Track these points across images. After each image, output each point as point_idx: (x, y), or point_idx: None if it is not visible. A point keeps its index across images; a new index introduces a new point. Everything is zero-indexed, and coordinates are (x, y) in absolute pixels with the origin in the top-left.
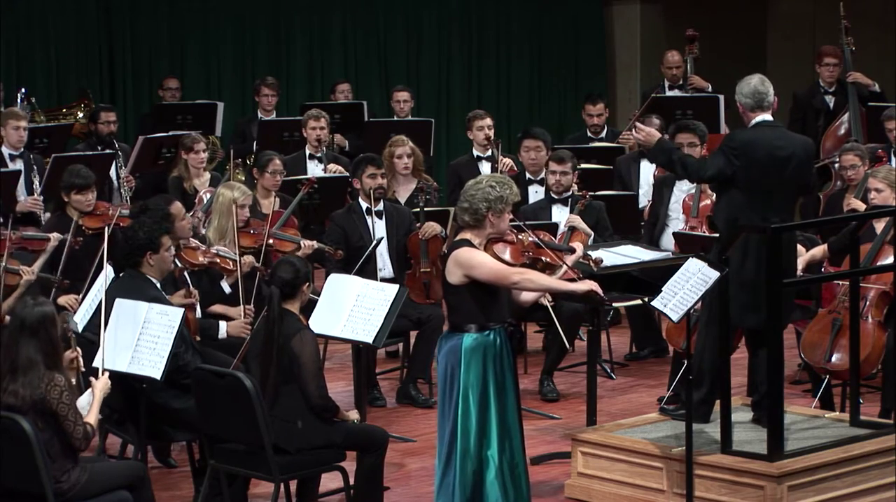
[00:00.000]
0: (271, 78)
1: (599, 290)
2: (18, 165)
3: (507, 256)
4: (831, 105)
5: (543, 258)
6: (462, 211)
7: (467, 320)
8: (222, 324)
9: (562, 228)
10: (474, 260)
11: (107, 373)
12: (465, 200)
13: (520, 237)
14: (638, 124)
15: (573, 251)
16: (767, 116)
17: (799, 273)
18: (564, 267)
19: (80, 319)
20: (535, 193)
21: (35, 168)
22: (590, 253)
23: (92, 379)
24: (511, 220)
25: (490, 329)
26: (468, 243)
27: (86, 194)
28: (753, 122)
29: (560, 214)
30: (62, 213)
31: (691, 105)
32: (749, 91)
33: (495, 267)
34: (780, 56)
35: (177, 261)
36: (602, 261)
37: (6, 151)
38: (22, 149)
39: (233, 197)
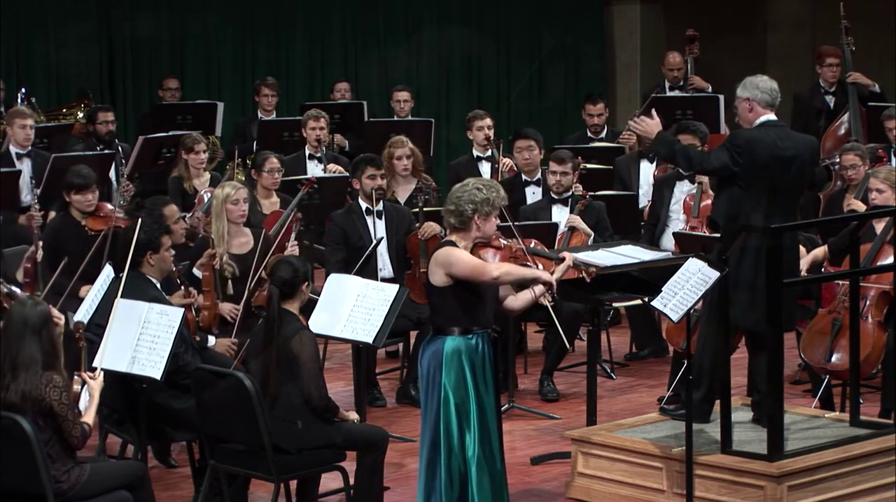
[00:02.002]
0: (271, 78)
1: (554, 287)
2: (26, 163)
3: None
4: (831, 105)
5: (531, 265)
6: (448, 213)
7: (450, 323)
8: (211, 338)
9: (562, 228)
10: (452, 257)
11: (101, 373)
12: (451, 202)
13: (508, 243)
14: (636, 118)
15: (562, 260)
16: (772, 116)
17: (803, 274)
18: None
19: (82, 319)
20: (533, 194)
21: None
22: (584, 260)
23: (88, 379)
24: (503, 223)
25: (473, 333)
26: (452, 244)
27: (85, 194)
28: (759, 121)
29: (560, 214)
30: (66, 214)
31: (691, 105)
32: (767, 88)
33: (472, 262)
34: (780, 56)
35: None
36: (595, 272)
37: (13, 150)
38: (29, 148)
39: (223, 195)
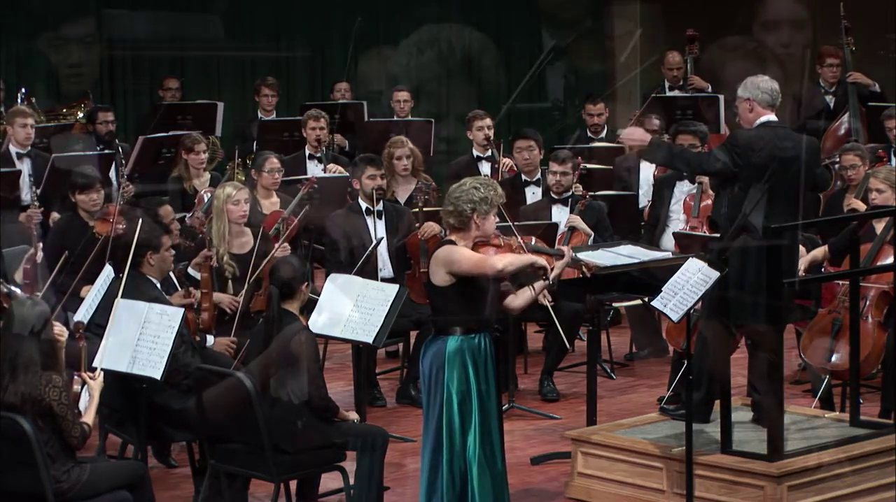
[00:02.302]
0: (271, 78)
1: (549, 272)
2: (26, 163)
3: None
4: (831, 105)
5: None
6: (447, 214)
7: (452, 323)
8: (210, 337)
9: (562, 228)
10: (454, 254)
11: (101, 373)
12: (449, 203)
13: (508, 241)
14: (624, 140)
15: (563, 255)
16: (773, 116)
17: (801, 273)
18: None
19: (82, 319)
20: (533, 194)
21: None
22: (583, 257)
23: (88, 379)
24: (503, 223)
25: (475, 333)
26: (452, 243)
27: (89, 194)
28: (759, 121)
29: (560, 214)
30: (73, 215)
31: (691, 105)
32: (767, 88)
33: (475, 257)
34: (780, 56)
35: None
36: (594, 267)
37: (13, 149)
38: (29, 148)
39: (224, 195)
